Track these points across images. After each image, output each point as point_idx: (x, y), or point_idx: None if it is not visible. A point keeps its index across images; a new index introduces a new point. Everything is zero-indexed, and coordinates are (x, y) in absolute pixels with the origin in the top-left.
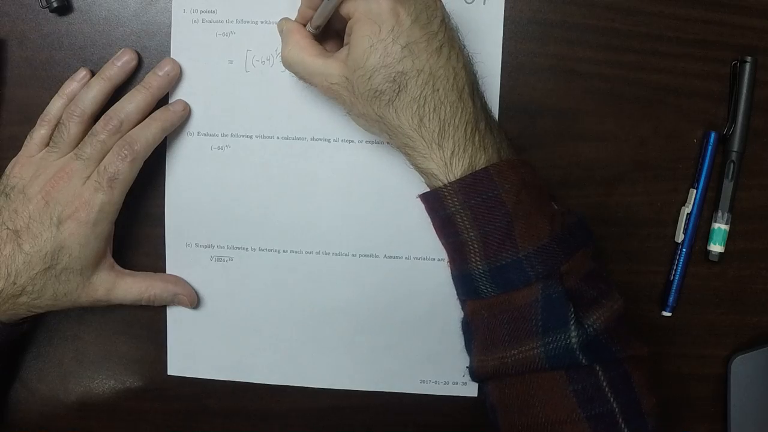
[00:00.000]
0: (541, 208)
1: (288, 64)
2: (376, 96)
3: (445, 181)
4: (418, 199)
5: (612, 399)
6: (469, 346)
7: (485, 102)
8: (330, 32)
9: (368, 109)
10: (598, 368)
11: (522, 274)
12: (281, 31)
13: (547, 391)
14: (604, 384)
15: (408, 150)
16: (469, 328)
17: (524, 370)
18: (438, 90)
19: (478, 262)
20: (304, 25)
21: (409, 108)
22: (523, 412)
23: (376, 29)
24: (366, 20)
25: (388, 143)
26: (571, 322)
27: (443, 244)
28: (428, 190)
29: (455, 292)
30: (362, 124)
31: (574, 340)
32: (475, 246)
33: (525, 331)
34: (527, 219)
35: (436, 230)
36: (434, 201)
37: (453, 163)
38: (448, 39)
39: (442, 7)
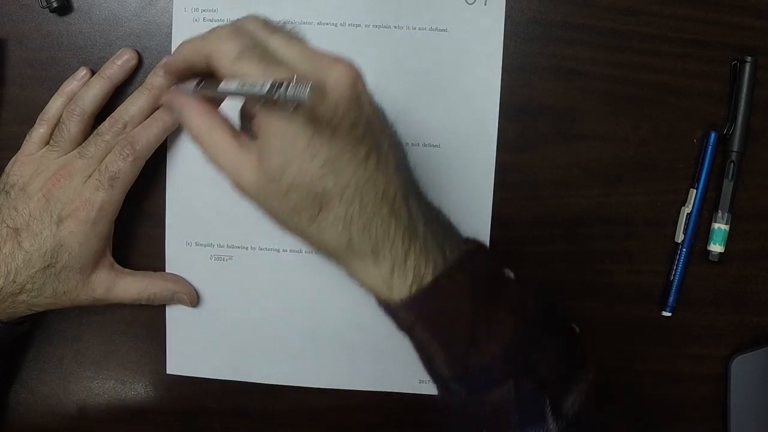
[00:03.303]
0: (500, 300)
1: (195, 137)
2: (294, 212)
3: (390, 299)
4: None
5: None
6: (445, 422)
7: (422, 194)
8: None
9: (286, 224)
10: None
11: (491, 376)
12: (176, 110)
13: None
14: None
15: (340, 265)
16: (444, 409)
17: None
18: (367, 206)
19: (444, 369)
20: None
21: (334, 228)
22: None
23: (290, 142)
24: (275, 133)
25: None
26: (549, 415)
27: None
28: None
29: None
30: (283, 230)
31: (553, 429)
32: (439, 354)
33: (502, 427)
34: (488, 320)
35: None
36: (387, 312)
37: (395, 278)
38: (375, 141)
39: (368, 101)
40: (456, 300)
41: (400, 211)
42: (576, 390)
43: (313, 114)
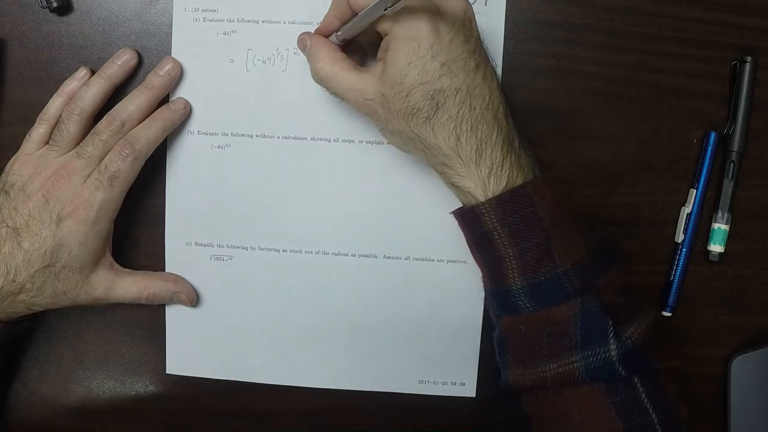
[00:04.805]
0: (575, 224)
1: (320, 79)
2: (413, 113)
3: (483, 199)
4: (452, 215)
5: (651, 410)
6: (503, 359)
7: (515, 121)
8: (352, 45)
9: (404, 126)
10: (636, 380)
11: (560, 290)
12: (306, 46)
13: (585, 404)
14: (643, 396)
15: (444, 168)
16: (503, 342)
17: (563, 384)
18: (475, 109)
19: (516, 279)
20: (326, 37)
21: (446, 126)
22: (560, 424)
23: (415, 46)
24: (405, 38)
25: (422, 162)
26: (610, 336)
27: (478, 260)
28: (460, 206)
29: (489, 306)
30: (396, 142)
31: (613, 353)
32: (513, 263)
33: (564, 346)
34: (563, 235)
35: (470, 247)
36: (470, 218)
37: (491, 182)
38: (483, 58)
39: (476, 27)
40: (538, 210)
41: (502, 121)
42: (637, 323)
43: (434, 26)
